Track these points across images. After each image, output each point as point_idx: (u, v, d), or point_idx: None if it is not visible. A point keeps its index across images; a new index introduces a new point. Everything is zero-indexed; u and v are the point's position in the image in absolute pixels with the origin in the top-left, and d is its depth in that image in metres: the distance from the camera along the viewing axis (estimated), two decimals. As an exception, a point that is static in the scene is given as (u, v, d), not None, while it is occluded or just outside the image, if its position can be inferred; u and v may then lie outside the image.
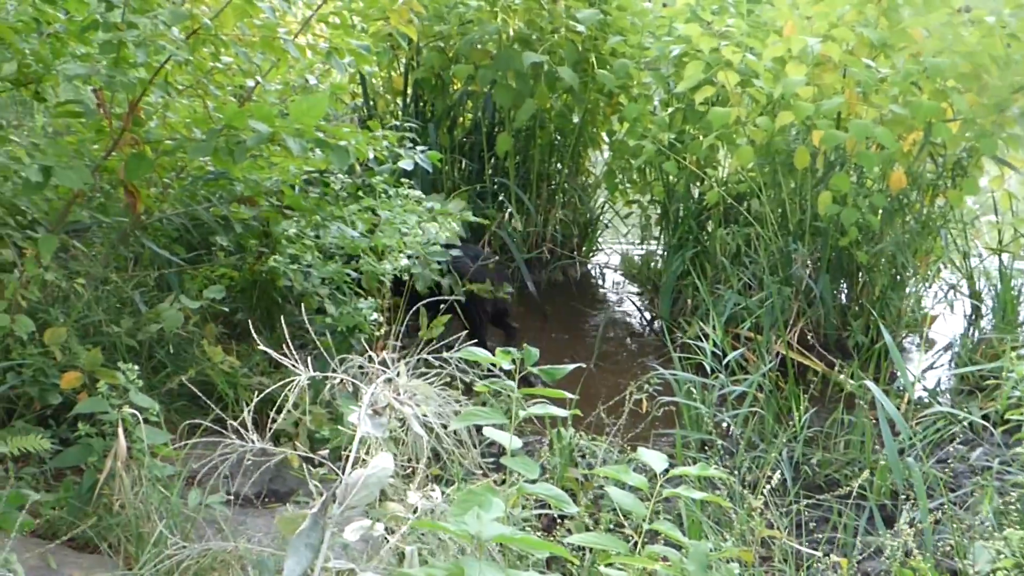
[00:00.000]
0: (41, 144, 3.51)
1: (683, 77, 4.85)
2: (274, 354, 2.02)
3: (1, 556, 2.13)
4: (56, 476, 3.02)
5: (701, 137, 5.10)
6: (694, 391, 3.68)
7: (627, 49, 5.43)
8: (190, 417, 3.44)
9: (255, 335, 3.33)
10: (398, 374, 2.09)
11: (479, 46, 5.39)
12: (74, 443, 2.95)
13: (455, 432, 2.26)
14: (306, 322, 2.49)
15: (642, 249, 6.11)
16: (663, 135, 5.27)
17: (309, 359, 2.28)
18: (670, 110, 5.37)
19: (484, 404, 3.19)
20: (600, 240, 6.46)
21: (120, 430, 2.71)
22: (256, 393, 3.43)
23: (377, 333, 3.46)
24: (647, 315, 5.66)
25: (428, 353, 2.31)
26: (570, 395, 2.04)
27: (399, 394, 2.12)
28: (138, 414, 2.74)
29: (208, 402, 3.01)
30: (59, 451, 2.96)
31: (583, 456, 3.43)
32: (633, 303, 5.83)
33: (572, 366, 2.08)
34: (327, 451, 2.18)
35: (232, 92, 3.72)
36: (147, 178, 3.51)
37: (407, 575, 1.64)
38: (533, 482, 2.01)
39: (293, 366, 2.02)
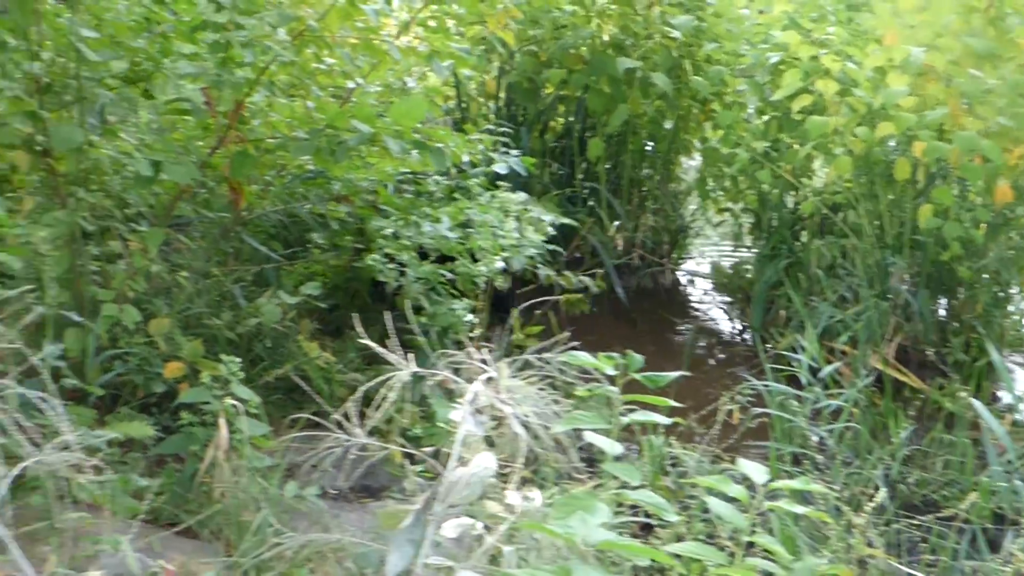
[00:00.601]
0: (149, 140, 3.61)
1: (780, 85, 4.78)
2: (379, 349, 2.04)
3: (111, 539, 2.20)
4: (158, 463, 3.10)
5: (797, 146, 5.01)
6: (792, 403, 3.61)
7: (722, 56, 5.38)
8: (286, 410, 3.51)
9: (352, 331, 3.36)
10: (499, 374, 2.10)
11: (572, 51, 5.39)
12: (174, 431, 3.03)
13: (551, 434, 2.26)
14: (409, 319, 2.52)
15: (733, 258, 6.03)
16: (757, 143, 5.20)
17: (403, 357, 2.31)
18: (765, 118, 5.30)
19: (578, 408, 3.18)
20: (690, 247, 6.40)
21: (222, 420, 2.77)
22: (351, 389, 3.51)
23: (471, 334, 3.48)
24: (737, 325, 5.59)
25: (527, 353, 2.32)
26: (674, 403, 2.02)
27: (499, 393, 2.12)
28: (239, 405, 2.80)
29: (306, 394, 3.06)
30: (161, 439, 3.03)
31: (673, 464, 3.40)
32: (723, 312, 5.76)
33: (676, 374, 2.06)
34: (430, 448, 2.20)
35: (332, 93, 3.78)
36: (249, 175, 3.59)
37: (511, 575, 1.64)
38: (633, 488, 2.00)
39: (396, 362, 2.04)
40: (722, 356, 5.24)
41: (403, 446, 2.51)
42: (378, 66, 3.57)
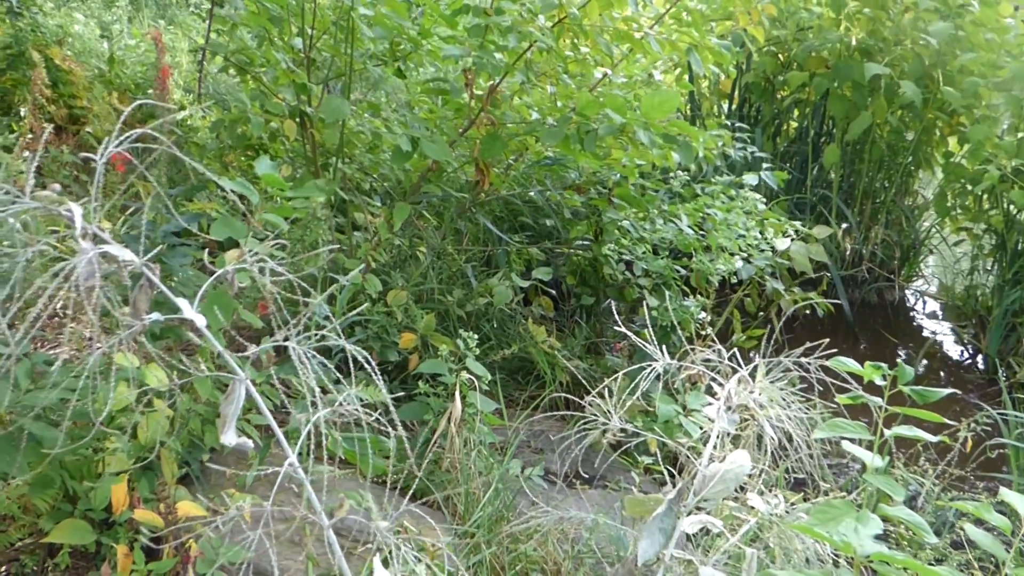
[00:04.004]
0: (400, 117, 3.74)
1: (1041, 101, 4.49)
2: (635, 338, 2.03)
3: (355, 494, 2.29)
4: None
5: (1055, 166, 4.69)
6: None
7: (977, 67, 5.08)
8: (507, 390, 3.57)
9: (575, 320, 3.36)
10: (758, 373, 2.05)
11: (815, 53, 5.23)
12: (403, 400, 3.13)
13: (808, 440, 2.19)
14: (645, 311, 2.50)
15: (968, 280, 5.70)
16: (1008, 161, 4.89)
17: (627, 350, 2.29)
18: (1020, 135, 4.98)
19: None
20: (922, 265, 6.09)
21: (457, 393, 2.84)
22: (572, 375, 3.53)
23: (703, 332, 3.43)
24: (968, 350, 5.28)
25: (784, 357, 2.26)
26: (949, 421, 1.92)
27: (753, 393, 2.08)
28: (475, 380, 2.87)
29: (528, 376, 3.06)
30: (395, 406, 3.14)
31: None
32: (953, 335, 5.46)
33: (947, 391, 1.96)
34: (684, 440, 2.18)
35: (579, 83, 3.80)
36: (496, 157, 3.65)
37: (772, 577, 1.60)
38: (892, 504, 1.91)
39: (652, 353, 2.03)
40: (949, 380, 4.97)
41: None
42: (629, 56, 3.56)
